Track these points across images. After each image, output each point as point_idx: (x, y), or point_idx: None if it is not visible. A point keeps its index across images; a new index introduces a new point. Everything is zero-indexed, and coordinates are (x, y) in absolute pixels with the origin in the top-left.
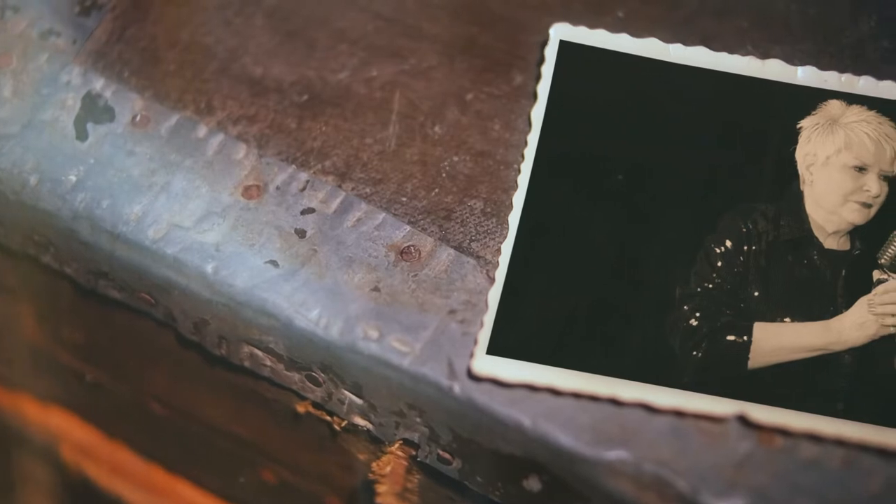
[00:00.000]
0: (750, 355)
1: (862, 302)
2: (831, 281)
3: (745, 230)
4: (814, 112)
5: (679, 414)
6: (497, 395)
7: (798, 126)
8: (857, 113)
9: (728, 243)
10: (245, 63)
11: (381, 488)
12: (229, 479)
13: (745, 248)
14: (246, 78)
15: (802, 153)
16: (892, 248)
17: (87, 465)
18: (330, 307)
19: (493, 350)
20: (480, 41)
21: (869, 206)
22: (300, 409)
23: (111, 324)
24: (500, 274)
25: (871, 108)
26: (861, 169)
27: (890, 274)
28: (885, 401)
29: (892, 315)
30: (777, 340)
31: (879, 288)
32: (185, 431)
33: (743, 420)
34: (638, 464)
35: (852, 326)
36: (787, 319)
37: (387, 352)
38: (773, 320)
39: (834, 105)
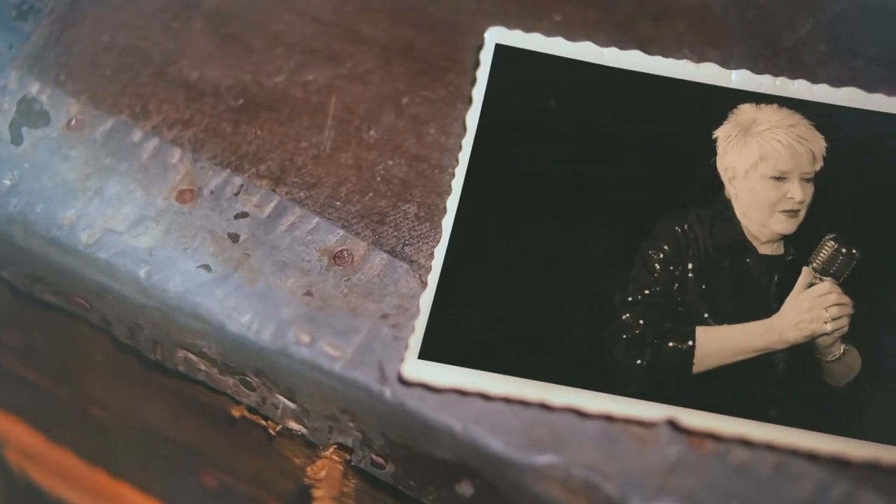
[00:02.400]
0: (694, 360)
1: (791, 301)
2: (766, 286)
3: (681, 235)
4: (726, 121)
5: (609, 419)
6: (428, 399)
7: (714, 136)
8: (768, 117)
9: (665, 248)
10: (181, 67)
11: (317, 492)
12: (171, 483)
13: (683, 253)
14: (182, 82)
15: (723, 166)
16: (824, 252)
17: (32, 468)
18: (262, 312)
19: (424, 355)
20: (418, 45)
21: (796, 212)
22: (235, 413)
23: (49, 328)
24: (433, 278)
25: (782, 106)
26: (781, 178)
27: (821, 277)
28: (815, 406)
29: (833, 318)
30: (720, 344)
31: (814, 290)
32: (127, 436)
33: (673, 425)
34: (567, 468)
35: (790, 326)
36: (726, 324)
37: (318, 356)
38: (712, 324)
39: (745, 109)
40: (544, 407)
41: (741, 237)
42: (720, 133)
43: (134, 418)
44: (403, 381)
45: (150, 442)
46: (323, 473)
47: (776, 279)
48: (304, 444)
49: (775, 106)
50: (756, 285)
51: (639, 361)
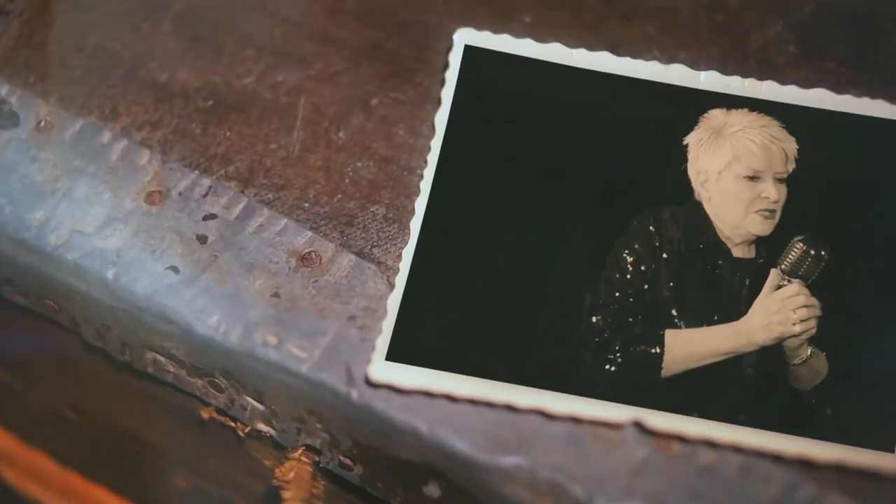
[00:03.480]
0: (663, 365)
1: (760, 303)
2: (738, 289)
3: (655, 235)
4: (696, 126)
5: (575, 420)
6: (394, 401)
7: (684, 143)
8: (739, 120)
9: (638, 248)
10: (151, 68)
11: (286, 494)
12: (144, 485)
13: (655, 252)
14: (151, 83)
15: (694, 171)
16: (792, 254)
17: (6, 470)
18: (230, 313)
19: (391, 356)
20: (387, 46)
21: (772, 212)
22: (204, 414)
23: (20, 329)
24: (401, 280)
25: (752, 109)
26: (755, 177)
27: (790, 279)
28: (782, 409)
29: (801, 320)
30: (689, 347)
31: (782, 292)
32: (99, 438)
33: (639, 426)
34: (534, 470)
35: (758, 328)
36: (696, 326)
37: (285, 358)
38: (683, 327)
39: (715, 115)
40: (510, 408)
41: (715, 238)
42: (691, 139)
43: (106, 420)
44: (370, 383)
45: (122, 443)
46: (291, 475)
47: (747, 282)
48: (273, 445)
49: (745, 110)
50: (727, 288)
51: (608, 367)
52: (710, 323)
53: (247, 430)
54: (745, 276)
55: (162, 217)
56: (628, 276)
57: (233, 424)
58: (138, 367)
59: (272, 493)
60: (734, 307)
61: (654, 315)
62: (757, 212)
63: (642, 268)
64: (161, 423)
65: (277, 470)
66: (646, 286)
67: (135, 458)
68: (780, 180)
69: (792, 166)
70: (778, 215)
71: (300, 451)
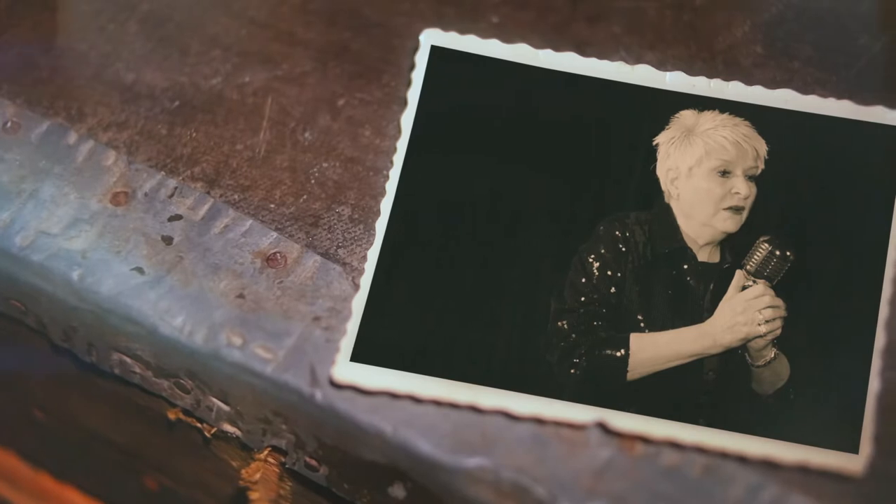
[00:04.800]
0: (628, 368)
1: (725, 305)
2: (702, 293)
3: (621, 240)
4: (667, 127)
5: (539, 421)
6: (358, 402)
7: (654, 143)
8: (711, 119)
9: (604, 252)
10: (118, 69)
11: (253, 495)
12: (114, 485)
13: (622, 258)
14: (118, 84)
15: (664, 169)
16: (758, 254)
17: None
18: (194, 314)
19: (356, 357)
20: (354, 47)
21: (740, 210)
22: (171, 416)
23: None
24: (366, 281)
25: (723, 111)
26: (726, 172)
27: (755, 280)
28: (744, 411)
29: (767, 321)
30: (654, 350)
31: (747, 292)
32: (69, 439)
33: (603, 427)
34: (497, 471)
35: (724, 329)
36: (660, 330)
37: (250, 359)
38: (648, 331)
39: (686, 115)
40: (474, 409)
41: (681, 243)
42: (662, 138)
43: (75, 421)
44: (334, 384)
45: (91, 444)
46: (258, 476)
47: (711, 287)
48: (240, 446)
49: (716, 111)
50: (692, 292)
51: (573, 371)
52: (674, 326)
53: (213, 431)
54: (709, 280)
55: (127, 218)
56: (594, 281)
57: (199, 426)
58: (105, 369)
59: (240, 495)
60: (697, 311)
61: (619, 319)
62: (726, 209)
63: (608, 273)
64: (129, 425)
65: (244, 471)
66: (612, 290)
67: (104, 458)
68: (750, 177)
69: (762, 166)
70: (746, 213)
71: (266, 452)
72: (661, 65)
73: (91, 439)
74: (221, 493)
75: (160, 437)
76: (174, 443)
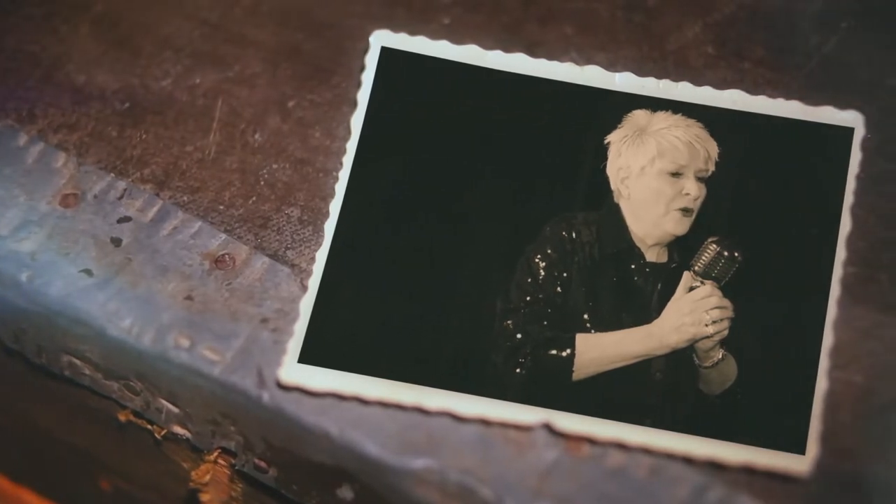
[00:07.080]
0: (574, 368)
1: (673, 305)
2: (650, 294)
3: (568, 240)
4: (620, 125)
5: (485, 423)
6: (305, 403)
7: (606, 141)
8: (664, 119)
9: (550, 253)
10: (69, 71)
11: (204, 497)
12: (70, 487)
13: (568, 258)
14: (69, 86)
15: (615, 168)
16: (706, 255)
17: None
18: (142, 316)
19: (304, 359)
20: (305, 48)
21: (690, 211)
22: (122, 417)
23: None
24: (314, 282)
25: (676, 112)
26: (677, 174)
27: (703, 280)
28: (690, 412)
29: (714, 321)
30: (600, 350)
31: (695, 293)
32: (25, 440)
33: (549, 428)
34: (443, 472)
35: (671, 330)
36: (607, 330)
37: (197, 361)
38: (595, 331)
39: (639, 115)
40: (420, 411)
41: (629, 243)
42: (614, 137)
43: (30, 423)
44: (281, 386)
45: (47, 447)
46: (208, 478)
47: (659, 287)
48: (190, 448)
49: (669, 112)
50: (639, 293)
51: (518, 370)
52: (621, 327)
53: (163, 432)
54: (657, 280)
55: (77, 220)
56: (540, 281)
57: (150, 427)
58: (55, 370)
59: (193, 496)
60: (645, 312)
61: (565, 320)
62: (677, 209)
63: (555, 273)
64: (82, 426)
65: (193, 473)
66: (558, 290)
67: (59, 460)
68: (700, 179)
69: (712, 168)
70: (694, 215)
71: (216, 453)
72: (612, 65)
73: (46, 441)
74: (174, 495)
75: (112, 439)
76: (126, 444)
